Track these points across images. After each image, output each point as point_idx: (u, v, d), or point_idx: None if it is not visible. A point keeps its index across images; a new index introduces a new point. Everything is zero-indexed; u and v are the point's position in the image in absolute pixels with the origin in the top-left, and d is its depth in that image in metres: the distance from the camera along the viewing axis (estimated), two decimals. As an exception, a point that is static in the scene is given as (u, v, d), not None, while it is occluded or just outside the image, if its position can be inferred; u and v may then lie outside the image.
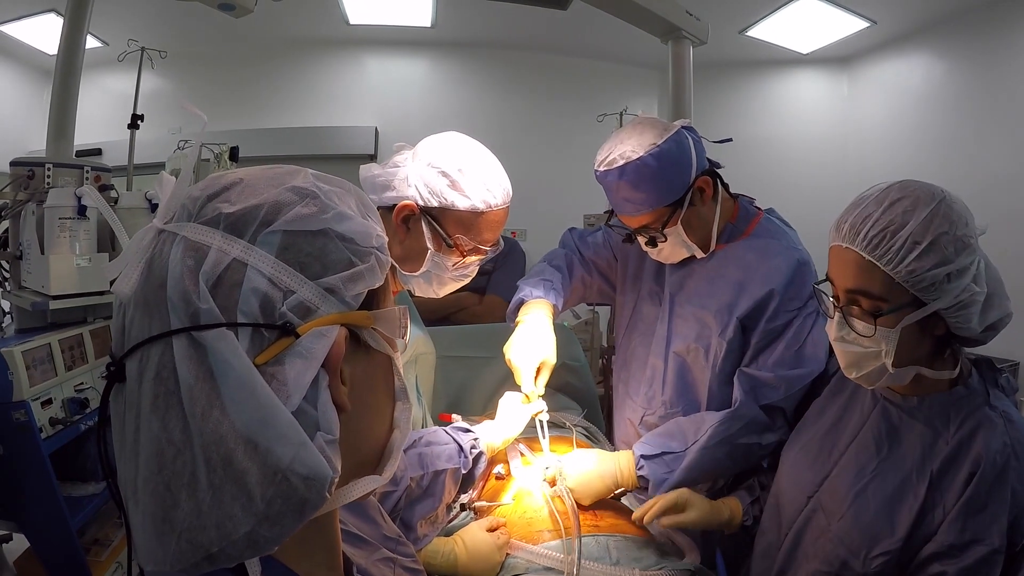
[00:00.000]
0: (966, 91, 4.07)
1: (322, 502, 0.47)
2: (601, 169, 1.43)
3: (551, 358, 1.48)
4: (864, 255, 0.99)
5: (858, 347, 1.05)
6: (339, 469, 0.49)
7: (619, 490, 1.42)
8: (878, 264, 0.98)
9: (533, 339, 1.48)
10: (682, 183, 1.41)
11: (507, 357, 1.48)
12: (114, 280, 0.51)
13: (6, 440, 1.63)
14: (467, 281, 1.33)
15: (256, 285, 0.48)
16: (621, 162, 1.38)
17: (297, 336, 0.48)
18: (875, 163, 4.63)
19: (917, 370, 1.04)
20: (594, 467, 1.39)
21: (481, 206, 1.19)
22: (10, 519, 1.78)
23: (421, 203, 1.18)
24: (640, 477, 1.39)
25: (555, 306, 1.60)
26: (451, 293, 2.62)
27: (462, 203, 1.17)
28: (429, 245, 1.20)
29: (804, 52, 4.78)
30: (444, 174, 1.17)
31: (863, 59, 4.85)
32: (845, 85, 5.04)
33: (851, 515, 1.11)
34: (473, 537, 1.27)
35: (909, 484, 1.06)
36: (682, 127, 1.43)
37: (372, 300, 0.56)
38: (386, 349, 0.58)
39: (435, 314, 2.65)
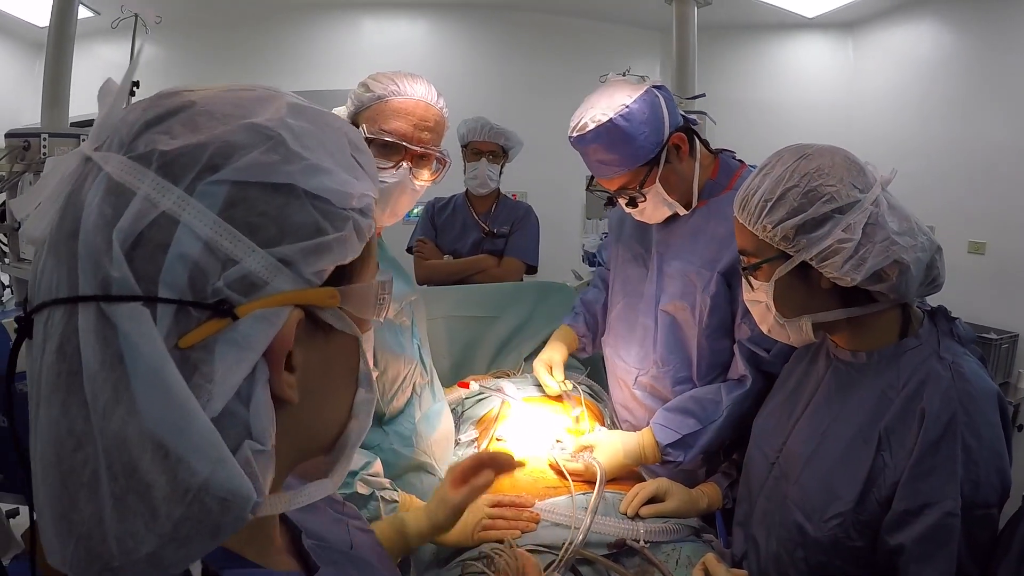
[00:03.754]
0: (973, 60, 4.01)
1: (241, 525, 0.40)
2: (574, 135, 1.43)
3: (553, 358, 1.70)
4: (737, 218, 1.10)
5: (756, 302, 1.14)
6: (266, 489, 0.42)
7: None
8: (745, 224, 1.07)
9: (544, 353, 1.74)
10: (655, 141, 1.41)
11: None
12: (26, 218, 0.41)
13: (9, 411, 1.63)
14: (403, 197, 1.31)
15: (186, 250, 0.39)
16: (592, 125, 1.39)
17: (235, 318, 0.39)
18: (879, 130, 4.58)
19: (812, 318, 1.08)
20: (621, 453, 1.42)
21: (385, 93, 1.26)
22: (16, 490, 1.78)
23: (346, 116, 1.29)
24: (668, 461, 1.44)
25: (578, 336, 1.82)
26: (471, 257, 2.65)
27: (367, 97, 1.27)
28: None
29: (809, 16, 4.70)
30: (363, 84, 1.30)
31: (869, 25, 4.77)
32: (850, 51, 4.97)
33: (804, 479, 1.10)
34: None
35: (858, 444, 1.04)
36: (652, 86, 1.44)
37: (345, 273, 0.48)
38: (353, 331, 0.49)
39: (454, 276, 2.67)
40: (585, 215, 4.29)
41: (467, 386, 1.70)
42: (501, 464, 1.03)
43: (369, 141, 1.24)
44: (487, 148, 2.69)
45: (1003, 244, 3.85)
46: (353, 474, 1.19)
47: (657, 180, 1.44)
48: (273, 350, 0.41)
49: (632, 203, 1.50)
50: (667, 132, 1.43)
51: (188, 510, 0.38)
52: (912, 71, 4.44)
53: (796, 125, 4.86)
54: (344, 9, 4.68)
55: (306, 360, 0.45)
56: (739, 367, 1.44)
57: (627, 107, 1.38)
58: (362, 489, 1.19)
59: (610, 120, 1.37)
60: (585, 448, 1.41)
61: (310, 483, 0.49)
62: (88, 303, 0.37)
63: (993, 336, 3.60)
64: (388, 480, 1.26)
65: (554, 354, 1.71)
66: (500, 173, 2.76)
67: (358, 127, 1.26)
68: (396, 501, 1.24)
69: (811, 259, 1.01)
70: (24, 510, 1.94)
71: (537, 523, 1.22)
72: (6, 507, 1.92)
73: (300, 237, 0.42)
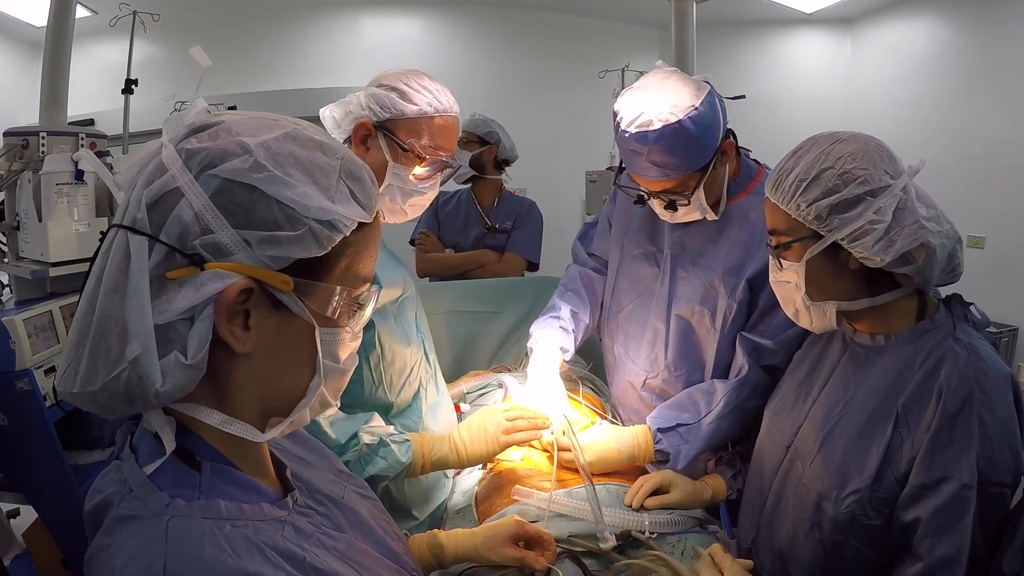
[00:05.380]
0: (970, 55, 4.02)
1: (147, 404, 0.57)
2: (633, 130, 1.30)
3: (558, 402, 1.46)
4: (770, 197, 1.11)
5: (783, 283, 1.15)
6: (166, 384, 0.56)
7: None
8: (778, 204, 1.09)
9: (539, 401, 1.45)
10: (712, 147, 1.34)
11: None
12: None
13: (10, 410, 1.62)
14: (429, 199, 1.37)
15: (182, 215, 0.56)
16: (659, 124, 1.27)
17: (202, 269, 0.56)
18: (876, 125, 4.56)
19: (837, 305, 1.10)
20: (612, 441, 1.40)
21: (429, 110, 1.28)
22: (17, 489, 1.78)
23: (374, 119, 1.27)
24: (659, 451, 1.40)
25: (563, 348, 1.59)
26: (471, 251, 2.62)
27: (410, 110, 1.27)
28: (387, 157, 1.28)
29: (807, 12, 4.71)
30: (392, 88, 1.28)
31: (866, 20, 4.78)
32: (848, 46, 4.98)
33: (821, 458, 1.11)
34: (469, 423, 1.32)
35: (876, 421, 1.06)
36: (707, 83, 1.35)
37: (308, 271, 0.60)
38: (308, 319, 0.61)
39: (455, 270, 2.66)
40: (585, 211, 4.27)
41: (459, 410, 1.65)
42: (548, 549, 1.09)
43: (404, 143, 1.27)
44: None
45: (1001, 238, 3.86)
46: (354, 436, 1.21)
47: (702, 185, 1.37)
48: (220, 300, 0.56)
49: (672, 206, 1.41)
50: (721, 136, 1.35)
51: (120, 373, 0.55)
52: (910, 66, 4.45)
53: (794, 120, 4.84)
54: (342, 7, 4.68)
55: (260, 324, 0.59)
56: (738, 361, 1.42)
57: (696, 109, 1.28)
58: (368, 439, 1.21)
59: (679, 122, 1.27)
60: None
61: (242, 424, 0.62)
62: (123, 230, 0.56)
63: (992, 330, 3.60)
64: (391, 427, 1.28)
65: (558, 396, 1.48)
66: (497, 169, 2.75)
67: (391, 132, 1.27)
68: (407, 440, 1.26)
69: (842, 239, 1.04)
70: (24, 510, 1.94)
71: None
72: (6, 507, 1.92)
73: (260, 227, 0.57)
